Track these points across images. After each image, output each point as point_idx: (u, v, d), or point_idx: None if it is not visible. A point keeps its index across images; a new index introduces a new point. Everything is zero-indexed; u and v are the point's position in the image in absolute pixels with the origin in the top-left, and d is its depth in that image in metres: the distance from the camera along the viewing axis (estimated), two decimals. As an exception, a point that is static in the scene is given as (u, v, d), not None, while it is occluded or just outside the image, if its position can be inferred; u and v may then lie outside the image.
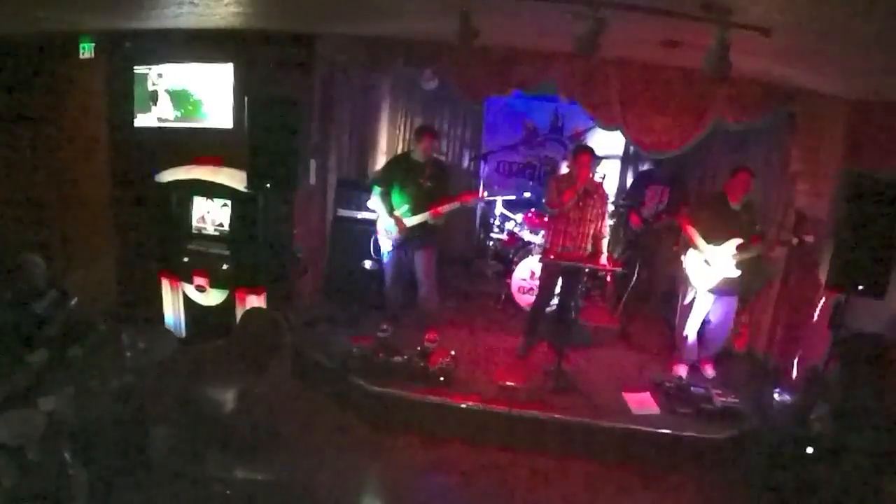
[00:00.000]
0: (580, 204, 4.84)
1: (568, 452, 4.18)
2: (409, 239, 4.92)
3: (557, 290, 5.24)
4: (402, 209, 4.90)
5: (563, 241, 4.92)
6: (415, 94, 6.89)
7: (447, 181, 5.04)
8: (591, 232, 4.93)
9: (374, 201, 4.98)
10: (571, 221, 4.89)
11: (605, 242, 5.08)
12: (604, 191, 5.05)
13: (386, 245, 5.04)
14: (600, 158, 6.95)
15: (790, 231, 4.79)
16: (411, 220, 4.87)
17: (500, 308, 6.06)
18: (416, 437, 4.25)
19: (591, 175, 4.86)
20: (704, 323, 4.85)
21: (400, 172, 4.96)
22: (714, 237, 4.61)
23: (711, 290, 4.67)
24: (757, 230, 4.64)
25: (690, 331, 4.86)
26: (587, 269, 5.15)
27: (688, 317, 4.87)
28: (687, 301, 4.91)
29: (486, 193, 5.86)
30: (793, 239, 4.36)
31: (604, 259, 5.02)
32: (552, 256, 4.93)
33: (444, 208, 4.83)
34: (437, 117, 7.16)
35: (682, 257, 4.91)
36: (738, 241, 4.54)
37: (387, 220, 4.92)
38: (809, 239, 4.14)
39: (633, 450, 4.19)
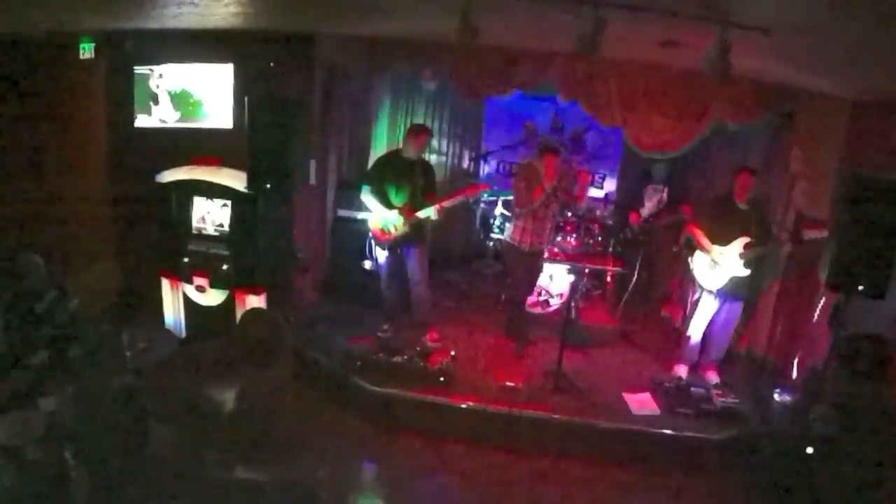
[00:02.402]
0: (546, 202, 4.86)
1: (568, 452, 4.18)
2: (401, 239, 4.91)
3: (557, 289, 5.26)
4: (399, 206, 4.88)
5: (529, 238, 4.94)
6: (415, 94, 6.89)
7: (434, 178, 5.05)
8: (552, 227, 5.00)
9: (368, 200, 4.91)
10: (537, 219, 4.91)
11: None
12: (568, 183, 4.99)
13: (379, 247, 5.02)
14: (599, 159, 6.99)
15: (791, 231, 4.79)
16: (420, 215, 4.81)
17: (500, 308, 6.05)
18: (416, 437, 4.25)
19: (557, 173, 4.87)
20: (709, 325, 4.84)
21: (392, 170, 4.92)
22: (721, 238, 4.61)
23: (719, 292, 4.67)
24: (771, 229, 4.65)
25: (695, 331, 4.86)
26: (587, 270, 5.16)
27: (693, 317, 4.87)
28: (693, 300, 4.91)
29: (483, 186, 5.84)
30: (805, 235, 4.34)
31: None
32: (551, 255, 4.95)
33: (450, 202, 4.83)
34: (437, 117, 7.16)
35: (689, 259, 4.91)
36: (746, 239, 4.54)
37: (387, 215, 4.85)
38: (823, 234, 4.09)
39: (633, 450, 4.19)
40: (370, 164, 6.56)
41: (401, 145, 4.93)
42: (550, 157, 4.82)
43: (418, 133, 4.91)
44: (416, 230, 4.91)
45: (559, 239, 5.90)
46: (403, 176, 4.86)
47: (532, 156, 6.10)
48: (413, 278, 5.05)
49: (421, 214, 4.81)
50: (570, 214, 6.17)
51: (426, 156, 5.62)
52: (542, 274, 5.45)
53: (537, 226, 4.93)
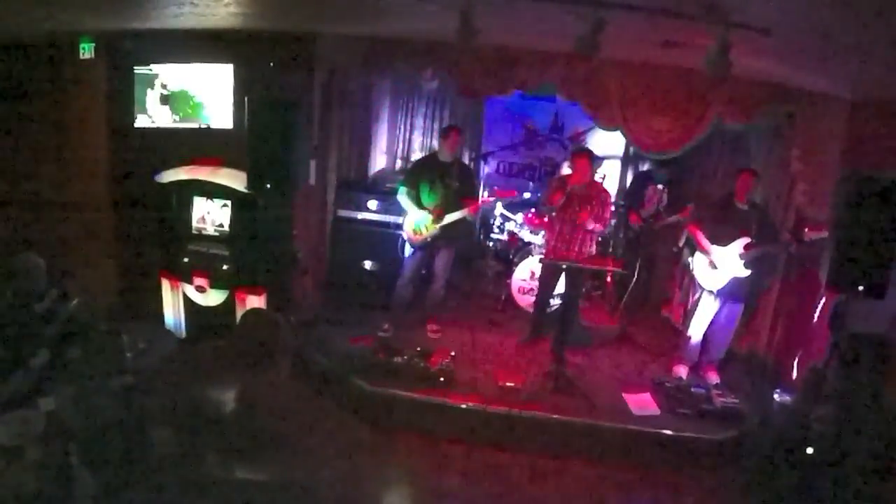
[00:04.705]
0: (576, 206, 4.85)
1: (568, 452, 4.18)
2: (436, 238, 5.00)
3: (560, 289, 5.27)
4: (430, 207, 4.99)
5: (557, 241, 4.97)
6: (415, 94, 6.89)
7: (472, 180, 5.17)
8: (587, 233, 4.94)
9: (403, 201, 5.06)
10: (566, 222, 4.92)
11: (592, 246, 5.11)
12: (606, 194, 5.03)
13: (412, 246, 5.11)
14: (601, 160, 7.00)
15: (791, 231, 4.79)
16: (449, 218, 4.94)
17: (501, 308, 6.06)
18: (416, 437, 4.25)
19: (587, 178, 4.88)
20: (709, 325, 4.84)
21: (427, 173, 5.06)
22: (721, 238, 4.61)
23: (720, 292, 4.67)
24: (772, 229, 4.66)
25: (695, 331, 4.86)
26: (587, 270, 5.17)
27: (693, 317, 4.87)
28: (693, 300, 4.92)
29: (511, 192, 5.99)
30: (805, 235, 4.34)
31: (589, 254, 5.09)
32: (551, 257, 4.96)
33: (482, 205, 4.93)
34: (437, 117, 7.16)
35: (689, 259, 4.91)
36: (746, 240, 4.54)
37: (419, 216, 4.96)
38: (823, 234, 4.08)
39: (633, 450, 4.19)
40: (370, 164, 6.60)
41: (408, 146, 5.05)
42: (578, 160, 4.85)
43: (447, 134, 5.06)
44: (450, 231, 5.01)
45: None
46: (438, 178, 4.98)
47: (562, 159, 6.19)
48: (436, 275, 5.21)
49: (447, 218, 4.93)
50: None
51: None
52: (554, 285, 5.34)
53: (564, 230, 4.95)
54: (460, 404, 4.30)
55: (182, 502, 2.87)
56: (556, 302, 5.68)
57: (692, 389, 4.53)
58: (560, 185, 4.90)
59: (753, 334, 5.36)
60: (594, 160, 5.07)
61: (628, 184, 7.11)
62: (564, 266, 4.86)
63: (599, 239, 6.14)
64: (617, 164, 7.31)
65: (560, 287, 5.67)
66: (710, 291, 4.71)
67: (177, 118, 5.31)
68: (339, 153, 5.89)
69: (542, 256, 5.27)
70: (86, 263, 5.27)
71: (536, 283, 5.54)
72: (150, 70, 5.26)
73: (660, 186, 6.03)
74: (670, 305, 6.16)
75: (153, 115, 5.34)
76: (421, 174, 5.10)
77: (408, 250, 5.15)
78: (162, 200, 4.98)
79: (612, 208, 6.58)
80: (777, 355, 5.14)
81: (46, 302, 3.72)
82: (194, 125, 5.28)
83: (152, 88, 5.30)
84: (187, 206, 4.93)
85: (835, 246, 3.55)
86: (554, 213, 5.05)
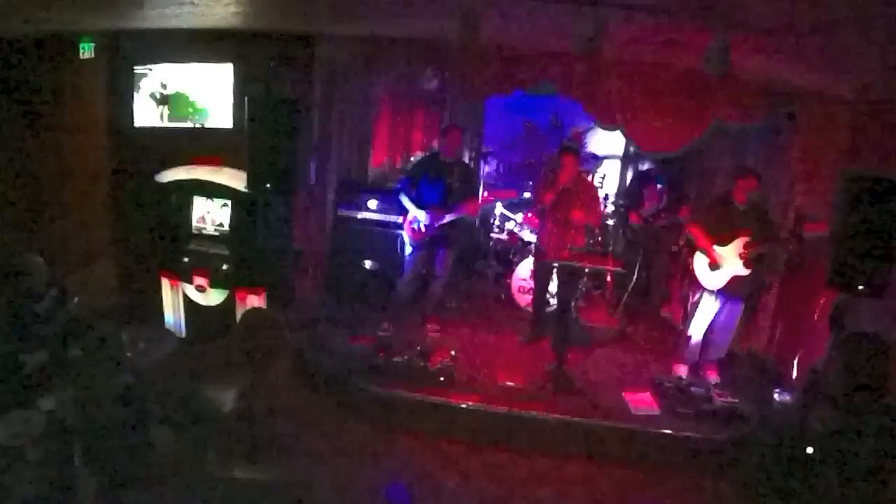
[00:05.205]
0: (565, 204, 4.86)
1: (568, 452, 4.18)
2: (436, 237, 5.01)
3: (554, 289, 5.29)
4: (430, 206, 4.99)
5: (549, 240, 4.98)
6: (415, 94, 6.88)
7: (473, 180, 5.14)
8: (578, 230, 4.98)
9: (403, 199, 5.07)
10: (558, 221, 4.93)
11: (583, 241, 5.14)
12: (594, 188, 5.09)
13: (411, 245, 5.12)
14: (600, 159, 7.00)
15: (791, 229, 4.79)
16: (446, 217, 4.94)
17: (501, 308, 6.05)
18: (416, 437, 4.24)
19: (574, 175, 4.90)
20: (709, 325, 4.84)
21: (428, 171, 5.05)
22: (721, 238, 4.62)
23: (720, 292, 4.67)
24: (772, 227, 4.67)
25: (695, 331, 4.86)
26: (586, 270, 5.17)
27: (693, 316, 4.87)
28: (694, 300, 4.92)
29: (511, 193, 6.04)
30: (805, 233, 4.33)
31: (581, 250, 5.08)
32: (550, 256, 4.96)
33: (482, 205, 4.93)
34: (437, 117, 7.15)
35: (690, 259, 4.91)
36: (746, 239, 4.55)
37: (417, 214, 4.97)
38: (823, 231, 4.07)
39: (633, 450, 4.19)
40: (370, 164, 6.59)
41: (409, 147, 5.06)
42: (565, 158, 4.87)
43: (447, 133, 5.07)
44: (449, 231, 5.02)
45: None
46: (438, 177, 4.97)
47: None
48: (436, 273, 5.20)
49: (444, 220, 4.93)
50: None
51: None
52: (551, 285, 5.40)
53: (557, 230, 4.97)
54: (460, 404, 4.30)
55: (182, 502, 2.87)
56: (555, 301, 5.69)
57: (692, 389, 4.53)
58: (550, 184, 4.91)
59: (753, 334, 5.36)
60: (580, 157, 5.10)
61: (628, 184, 7.12)
62: (556, 265, 4.88)
63: (599, 238, 6.17)
64: (617, 164, 7.30)
65: (555, 286, 5.70)
66: (711, 291, 4.71)
67: (176, 118, 5.32)
68: (339, 153, 5.89)
69: (536, 257, 5.26)
70: (86, 263, 5.27)
71: (536, 282, 5.54)
72: (150, 70, 5.27)
73: (660, 186, 6.03)
74: (670, 305, 6.16)
75: (153, 115, 5.34)
76: (422, 173, 5.09)
77: (408, 250, 5.14)
78: (162, 200, 4.98)
79: (604, 202, 6.64)
80: (777, 355, 5.14)
81: (46, 302, 3.72)
82: (194, 124, 5.29)
83: (152, 88, 5.30)
84: (187, 206, 4.93)
85: (835, 245, 3.55)
86: (545, 213, 5.05)
